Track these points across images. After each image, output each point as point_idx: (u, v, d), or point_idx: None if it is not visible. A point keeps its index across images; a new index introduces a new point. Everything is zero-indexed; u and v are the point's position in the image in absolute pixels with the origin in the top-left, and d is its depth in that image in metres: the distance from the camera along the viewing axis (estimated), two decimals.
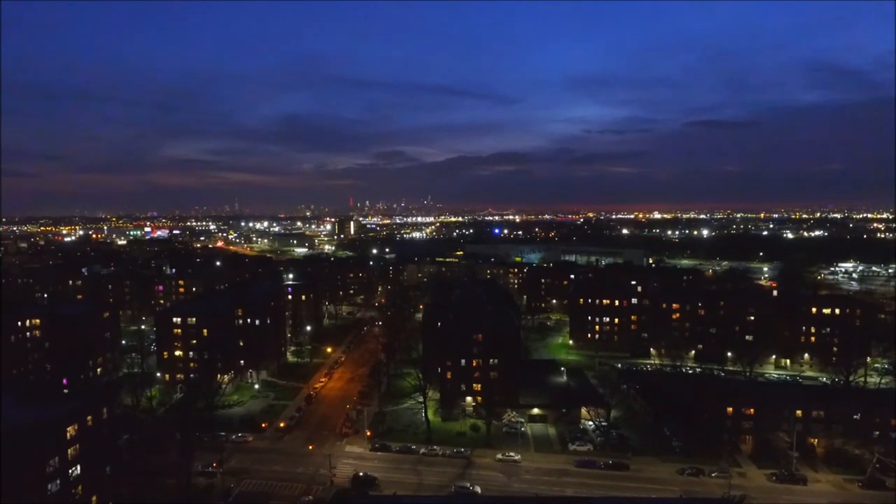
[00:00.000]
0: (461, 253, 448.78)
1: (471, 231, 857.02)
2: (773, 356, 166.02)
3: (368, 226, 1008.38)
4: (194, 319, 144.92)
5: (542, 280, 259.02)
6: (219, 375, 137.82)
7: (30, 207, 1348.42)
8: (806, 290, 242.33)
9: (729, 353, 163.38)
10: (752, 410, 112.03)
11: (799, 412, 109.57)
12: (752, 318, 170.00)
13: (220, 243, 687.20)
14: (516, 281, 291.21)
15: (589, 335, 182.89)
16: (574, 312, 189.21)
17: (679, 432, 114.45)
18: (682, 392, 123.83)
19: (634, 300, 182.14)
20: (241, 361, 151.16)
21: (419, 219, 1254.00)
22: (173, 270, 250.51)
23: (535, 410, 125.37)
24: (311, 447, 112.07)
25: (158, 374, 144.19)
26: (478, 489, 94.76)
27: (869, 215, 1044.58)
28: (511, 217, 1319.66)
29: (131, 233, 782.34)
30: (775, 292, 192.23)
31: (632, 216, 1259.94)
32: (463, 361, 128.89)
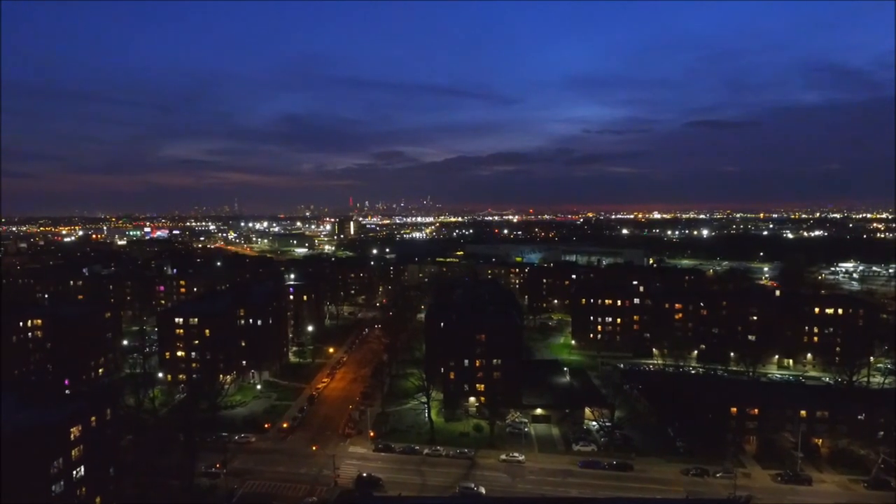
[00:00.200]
0: (461, 253, 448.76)
1: (471, 231, 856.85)
2: (776, 356, 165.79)
3: (368, 226, 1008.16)
4: (196, 320, 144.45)
5: (544, 280, 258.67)
6: (221, 376, 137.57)
7: (29, 208, 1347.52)
8: (807, 290, 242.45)
9: (732, 353, 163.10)
10: (755, 411, 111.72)
11: (803, 412, 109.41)
12: (755, 318, 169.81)
13: (219, 243, 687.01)
14: (517, 281, 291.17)
15: (591, 335, 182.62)
16: (576, 312, 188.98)
17: (683, 433, 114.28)
18: (686, 392, 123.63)
19: (637, 300, 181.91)
20: (244, 362, 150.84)
21: (419, 219, 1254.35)
22: (174, 271, 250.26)
23: (539, 411, 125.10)
24: (314, 448, 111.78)
25: (160, 375, 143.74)
26: (482, 490, 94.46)
27: (868, 215, 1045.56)
28: (511, 217, 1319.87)
29: (131, 233, 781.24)
30: (777, 292, 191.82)
31: (631, 216, 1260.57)
32: (466, 362, 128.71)
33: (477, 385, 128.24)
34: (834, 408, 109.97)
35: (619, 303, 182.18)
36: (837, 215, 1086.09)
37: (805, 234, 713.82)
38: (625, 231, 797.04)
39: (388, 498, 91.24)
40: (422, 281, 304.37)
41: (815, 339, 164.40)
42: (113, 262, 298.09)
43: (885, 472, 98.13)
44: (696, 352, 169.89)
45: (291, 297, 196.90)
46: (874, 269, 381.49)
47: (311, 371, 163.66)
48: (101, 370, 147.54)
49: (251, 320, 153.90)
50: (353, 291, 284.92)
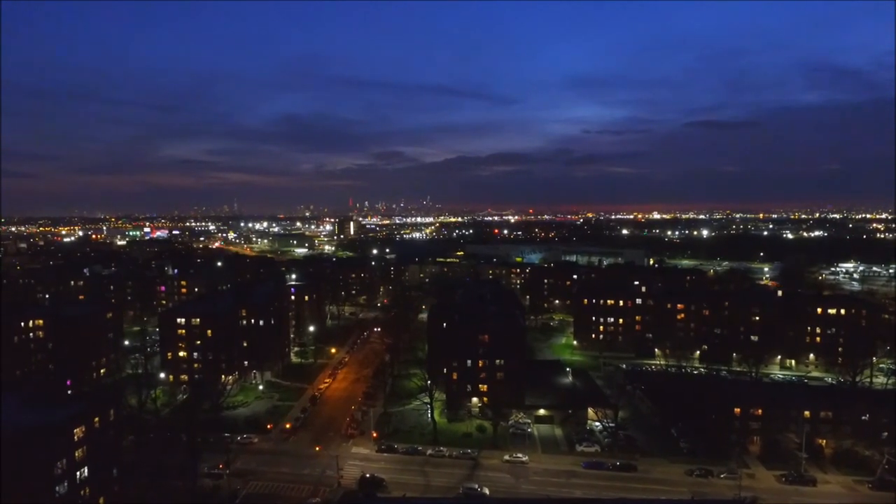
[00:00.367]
0: (461, 253, 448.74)
1: (470, 231, 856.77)
2: (779, 357, 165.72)
3: (368, 226, 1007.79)
4: (198, 320, 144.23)
5: (545, 280, 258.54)
6: (223, 376, 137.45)
7: (29, 208, 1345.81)
8: (808, 290, 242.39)
9: (734, 354, 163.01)
10: (759, 411, 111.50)
11: (807, 413, 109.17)
12: (757, 318, 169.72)
13: (219, 244, 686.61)
14: (518, 281, 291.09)
15: (593, 335, 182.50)
16: (578, 313, 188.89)
17: (686, 433, 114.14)
18: (689, 393, 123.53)
19: (638, 300, 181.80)
20: (245, 362, 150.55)
21: (418, 219, 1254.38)
22: (175, 271, 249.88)
23: (542, 411, 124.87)
24: (317, 448, 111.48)
25: (162, 375, 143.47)
26: (486, 491, 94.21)
27: (868, 215, 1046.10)
28: (511, 217, 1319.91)
29: (130, 233, 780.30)
30: (780, 293, 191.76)
31: (631, 216, 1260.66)
32: (469, 362, 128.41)
33: (480, 385, 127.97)
34: (838, 408, 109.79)
35: (620, 303, 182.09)
36: (837, 215, 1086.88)
37: (805, 234, 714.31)
38: (625, 231, 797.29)
39: (391, 499, 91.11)
40: (422, 281, 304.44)
41: (818, 339, 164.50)
42: (113, 263, 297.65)
43: (889, 473, 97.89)
44: (698, 352, 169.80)
45: (293, 297, 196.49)
46: (874, 269, 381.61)
47: (313, 371, 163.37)
48: (102, 371, 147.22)
49: (253, 320, 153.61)
50: (353, 292, 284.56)
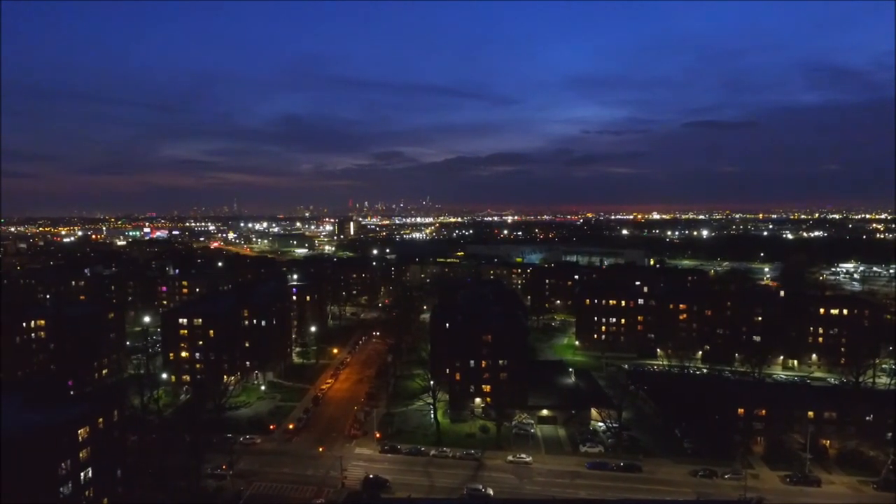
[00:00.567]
0: (462, 253, 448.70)
1: (470, 231, 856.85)
2: (781, 357, 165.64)
3: (368, 226, 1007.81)
4: (200, 320, 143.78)
5: (546, 281, 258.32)
6: (225, 376, 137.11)
7: (28, 208, 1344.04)
8: (809, 290, 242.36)
9: (736, 354, 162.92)
10: (763, 411, 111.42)
11: (810, 413, 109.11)
12: (759, 318, 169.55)
13: (219, 244, 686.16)
14: (519, 281, 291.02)
15: (595, 336, 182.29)
16: (580, 313, 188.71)
17: (690, 434, 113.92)
18: (692, 393, 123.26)
19: (640, 301, 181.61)
20: (247, 362, 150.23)
21: (418, 219, 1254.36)
22: (176, 271, 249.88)
23: (545, 412, 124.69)
24: (320, 449, 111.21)
25: (164, 376, 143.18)
26: (490, 491, 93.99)
27: (867, 216, 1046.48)
28: (510, 217, 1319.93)
29: (130, 233, 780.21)
30: (782, 293, 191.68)
31: (631, 217, 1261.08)
32: (472, 362, 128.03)
33: (483, 386, 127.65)
34: (841, 409, 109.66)
35: (622, 303, 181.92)
36: (837, 216, 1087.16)
37: (805, 234, 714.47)
38: (624, 231, 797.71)
39: (395, 500, 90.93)
40: (423, 281, 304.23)
41: (820, 339, 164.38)
42: (114, 263, 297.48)
43: (894, 474, 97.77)
44: (700, 352, 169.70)
45: (294, 297, 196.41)
46: (875, 269, 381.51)
47: (315, 372, 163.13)
48: (104, 371, 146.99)
49: (255, 321, 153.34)
50: (354, 292, 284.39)
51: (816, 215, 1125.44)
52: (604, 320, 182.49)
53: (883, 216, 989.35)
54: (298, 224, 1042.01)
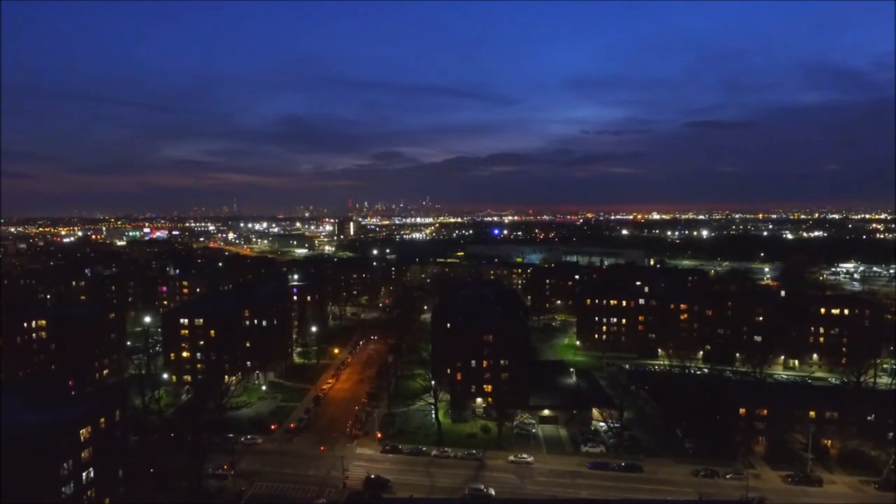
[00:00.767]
0: (462, 254, 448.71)
1: (470, 232, 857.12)
2: (782, 357, 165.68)
3: (368, 226, 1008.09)
4: (201, 320, 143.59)
5: (547, 281, 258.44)
6: (226, 377, 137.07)
7: (28, 208, 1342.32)
8: (810, 290, 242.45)
9: (737, 354, 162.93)
10: (764, 411, 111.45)
11: (812, 413, 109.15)
12: (760, 318, 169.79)
13: (219, 244, 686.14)
14: (520, 281, 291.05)
15: (596, 336, 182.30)
16: (581, 313, 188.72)
17: (691, 434, 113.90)
18: (693, 393, 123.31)
19: (641, 301, 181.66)
20: (248, 363, 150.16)
21: (418, 219, 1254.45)
22: (176, 271, 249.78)
23: (546, 412, 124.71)
24: (321, 449, 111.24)
25: (165, 376, 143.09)
26: (492, 491, 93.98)
27: (867, 216, 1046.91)
28: (510, 217, 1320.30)
29: (130, 234, 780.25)
30: (782, 293, 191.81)
31: (630, 217, 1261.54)
32: (473, 362, 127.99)
33: (484, 386, 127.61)
34: (843, 408, 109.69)
35: (623, 303, 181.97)
36: (836, 216, 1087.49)
37: (804, 234, 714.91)
38: (624, 231, 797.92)
39: (397, 500, 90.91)
40: (424, 281, 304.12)
41: (821, 339, 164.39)
42: (114, 263, 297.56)
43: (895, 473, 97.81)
44: (701, 352, 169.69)
45: (295, 297, 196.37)
46: (875, 269, 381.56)
47: (316, 372, 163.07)
48: (105, 371, 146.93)
49: (256, 321, 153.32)
50: (355, 292, 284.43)
51: (816, 215, 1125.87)
52: (604, 320, 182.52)
53: (883, 216, 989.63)
54: (298, 224, 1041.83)
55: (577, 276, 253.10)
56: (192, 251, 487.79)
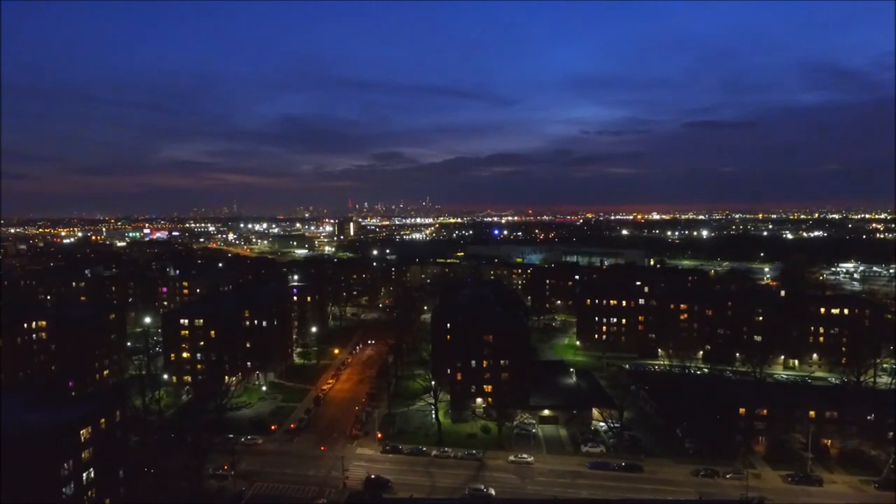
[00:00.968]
0: (462, 254, 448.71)
1: (470, 232, 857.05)
2: (782, 356, 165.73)
3: (368, 227, 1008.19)
4: (201, 321, 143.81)
5: (547, 281, 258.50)
6: (226, 377, 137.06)
7: (28, 209, 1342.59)
8: (810, 290, 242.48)
9: (737, 354, 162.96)
10: (764, 411, 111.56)
11: (812, 413, 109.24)
12: (760, 318, 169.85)
13: (219, 244, 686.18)
14: (520, 282, 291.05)
15: (596, 336, 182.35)
16: (581, 313, 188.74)
17: (691, 433, 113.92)
18: (693, 393, 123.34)
19: (641, 301, 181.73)
20: (248, 363, 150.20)
21: (418, 220, 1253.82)
22: (177, 272, 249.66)
23: (546, 412, 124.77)
24: (322, 449, 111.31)
25: (165, 377, 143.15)
26: (492, 491, 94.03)
27: (867, 216, 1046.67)
28: (510, 218, 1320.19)
29: (130, 234, 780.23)
30: (782, 293, 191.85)
31: (630, 217, 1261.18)
32: (473, 362, 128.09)
33: (484, 386, 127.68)
34: (843, 408, 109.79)
35: (623, 303, 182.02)
36: (836, 216, 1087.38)
37: (804, 234, 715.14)
38: (624, 232, 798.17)
39: (397, 500, 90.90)
40: (424, 282, 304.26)
41: (821, 339, 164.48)
42: (114, 264, 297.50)
43: (895, 473, 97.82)
44: (701, 352, 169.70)
45: (295, 298, 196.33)
46: (875, 269, 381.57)
47: (316, 372, 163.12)
48: (106, 372, 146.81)
49: (256, 321, 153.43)
50: (355, 293, 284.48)
51: (816, 215, 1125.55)
52: (604, 320, 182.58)
53: (883, 216, 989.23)
54: (298, 225, 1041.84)
55: (577, 277, 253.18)
56: (192, 252, 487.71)
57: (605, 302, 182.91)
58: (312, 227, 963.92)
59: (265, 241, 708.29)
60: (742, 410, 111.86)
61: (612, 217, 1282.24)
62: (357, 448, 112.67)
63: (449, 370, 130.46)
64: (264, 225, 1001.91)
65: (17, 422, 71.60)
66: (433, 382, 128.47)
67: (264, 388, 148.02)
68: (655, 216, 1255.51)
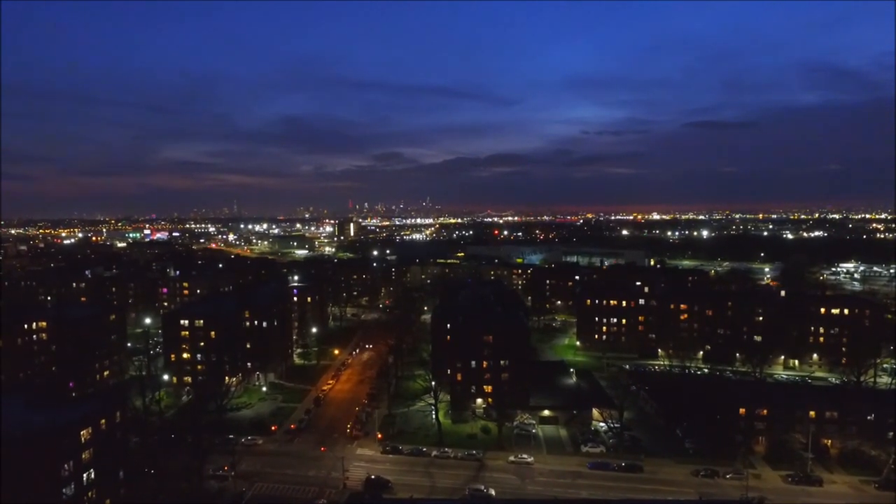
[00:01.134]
0: (462, 254, 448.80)
1: (470, 232, 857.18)
2: (782, 357, 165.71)
3: (368, 227, 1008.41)
4: (201, 321, 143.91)
5: (547, 281, 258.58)
6: (227, 378, 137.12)
7: (28, 210, 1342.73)
8: (810, 290, 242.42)
9: (737, 354, 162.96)
10: (764, 411, 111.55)
11: (812, 413, 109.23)
12: (760, 318, 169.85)
13: (219, 245, 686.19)
14: (520, 282, 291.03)
15: (596, 336, 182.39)
16: (581, 313, 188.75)
17: (692, 434, 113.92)
18: (693, 393, 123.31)
19: (641, 301, 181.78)
20: (249, 364, 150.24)
21: (418, 220, 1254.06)
22: (177, 272, 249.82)
23: (546, 412, 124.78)
24: (322, 450, 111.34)
25: (165, 377, 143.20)
26: (492, 492, 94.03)
27: (868, 216, 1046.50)
28: (510, 218, 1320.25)
29: (130, 235, 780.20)
30: (782, 293, 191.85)
31: (630, 217, 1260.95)
32: (473, 363, 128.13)
33: (484, 386, 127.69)
34: (843, 408, 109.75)
35: (623, 304, 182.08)
36: (836, 216, 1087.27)
37: (805, 234, 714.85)
38: (624, 232, 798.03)
39: (397, 500, 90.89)
40: (424, 282, 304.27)
41: (821, 339, 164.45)
42: (114, 265, 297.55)
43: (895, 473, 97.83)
44: (701, 352, 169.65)
45: (295, 298, 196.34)
46: (875, 269, 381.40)
47: (317, 373, 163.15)
48: (106, 372, 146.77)
49: (256, 322, 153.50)
50: (355, 293, 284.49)
51: (816, 215, 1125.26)
52: (605, 321, 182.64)
53: (883, 216, 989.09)
54: (298, 225, 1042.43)
55: (577, 277, 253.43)
56: (192, 252, 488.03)
57: (605, 302, 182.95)
58: (313, 228, 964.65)
59: (265, 242, 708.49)
60: (742, 410, 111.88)
61: (612, 217, 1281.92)
62: (357, 448, 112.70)
63: (449, 370, 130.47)
64: (264, 225, 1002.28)
65: (17, 422, 71.57)
66: (433, 383, 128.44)
67: (264, 389, 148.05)
68: (655, 216, 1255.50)
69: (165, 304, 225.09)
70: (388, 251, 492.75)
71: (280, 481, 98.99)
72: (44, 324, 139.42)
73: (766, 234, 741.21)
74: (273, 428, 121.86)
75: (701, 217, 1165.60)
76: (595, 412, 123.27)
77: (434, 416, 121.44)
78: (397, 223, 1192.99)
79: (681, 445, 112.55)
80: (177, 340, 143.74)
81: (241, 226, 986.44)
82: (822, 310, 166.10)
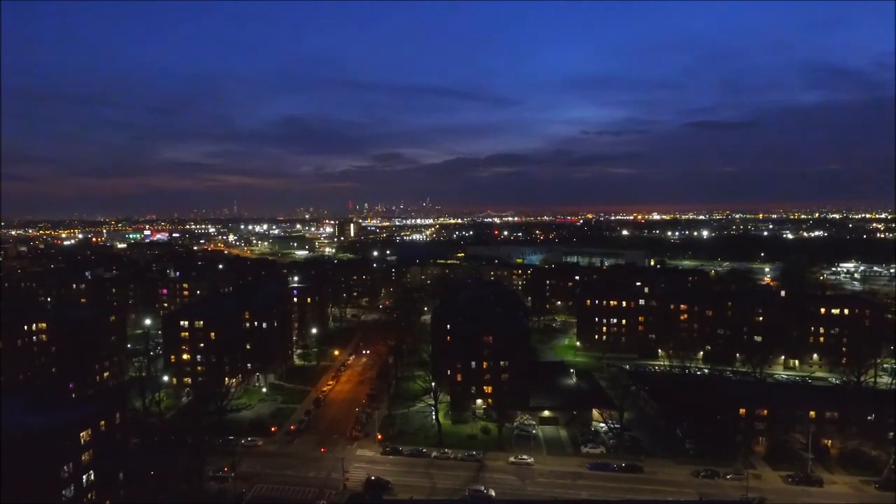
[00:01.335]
0: (462, 255, 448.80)
1: (470, 233, 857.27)
2: (782, 357, 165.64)
3: (368, 228, 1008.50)
4: (201, 323, 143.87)
5: (547, 281, 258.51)
6: (227, 379, 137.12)
7: (28, 211, 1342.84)
8: (810, 290, 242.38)
9: (738, 354, 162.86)
10: (764, 411, 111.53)
11: (812, 413, 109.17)
12: (760, 318, 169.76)
13: (220, 246, 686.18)
14: (520, 282, 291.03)
15: (596, 336, 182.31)
16: (581, 314, 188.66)
17: (692, 434, 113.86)
18: (693, 393, 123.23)
19: (641, 301, 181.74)
20: (249, 365, 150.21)
21: (418, 221, 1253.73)
22: (177, 273, 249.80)
23: (546, 413, 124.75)
24: (322, 451, 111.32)
25: (165, 378, 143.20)
26: (492, 493, 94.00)
27: (868, 215, 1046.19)
28: (510, 218, 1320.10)
29: (130, 236, 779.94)
30: (782, 293, 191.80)
31: (631, 217, 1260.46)
32: (473, 363, 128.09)
33: (484, 387, 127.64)
34: (843, 408, 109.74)
35: (623, 304, 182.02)
36: (837, 215, 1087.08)
37: (805, 234, 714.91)
38: (625, 232, 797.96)
39: (397, 501, 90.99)
40: (424, 283, 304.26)
41: (822, 339, 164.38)
42: (114, 266, 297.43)
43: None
44: (701, 353, 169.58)
45: (295, 299, 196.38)
46: (875, 269, 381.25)
47: (317, 373, 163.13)
48: (106, 374, 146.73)
49: (256, 323, 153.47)
50: (355, 294, 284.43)
51: (817, 215, 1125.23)
52: (605, 321, 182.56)
53: (883, 216, 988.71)
54: (298, 226, 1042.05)
55: (577, 277, 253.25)
56: (192, 253, 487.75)
57: (605, 302, 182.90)
58: (313, 229, 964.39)
59: (265, 243, 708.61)
60: (742, 411, 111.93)
61: (613, 217, 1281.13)
62: (357, 449, 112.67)
63: (449, 371, 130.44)
64: (264, 226, 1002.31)
65: (17, 424, 71.58)
66: (433, 383, 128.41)
67: (264, 390, 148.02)
68: (655, 216, 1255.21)
69: (165, 305, 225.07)
70: (388, 252, 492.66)
71: (280, 482, 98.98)
72: (44, 325, 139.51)
73: (766, 234, 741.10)
74: (273, 429, 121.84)
75: (701, 217, 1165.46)
76: (595, 413, 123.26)
77: (434, 417, 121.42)
78: (397, 224, 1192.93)
79: (681, 446, 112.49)
80: (177, 341, 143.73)
81: (241, 226, 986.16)
82: (823, 310, 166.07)
